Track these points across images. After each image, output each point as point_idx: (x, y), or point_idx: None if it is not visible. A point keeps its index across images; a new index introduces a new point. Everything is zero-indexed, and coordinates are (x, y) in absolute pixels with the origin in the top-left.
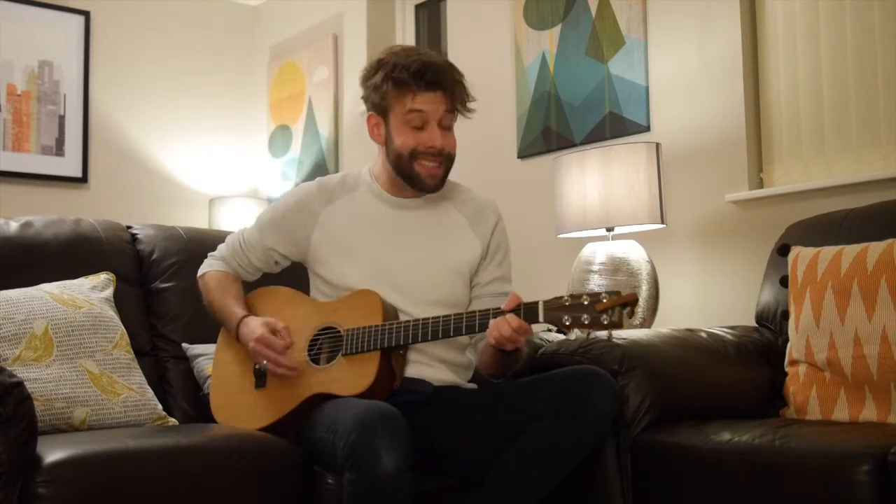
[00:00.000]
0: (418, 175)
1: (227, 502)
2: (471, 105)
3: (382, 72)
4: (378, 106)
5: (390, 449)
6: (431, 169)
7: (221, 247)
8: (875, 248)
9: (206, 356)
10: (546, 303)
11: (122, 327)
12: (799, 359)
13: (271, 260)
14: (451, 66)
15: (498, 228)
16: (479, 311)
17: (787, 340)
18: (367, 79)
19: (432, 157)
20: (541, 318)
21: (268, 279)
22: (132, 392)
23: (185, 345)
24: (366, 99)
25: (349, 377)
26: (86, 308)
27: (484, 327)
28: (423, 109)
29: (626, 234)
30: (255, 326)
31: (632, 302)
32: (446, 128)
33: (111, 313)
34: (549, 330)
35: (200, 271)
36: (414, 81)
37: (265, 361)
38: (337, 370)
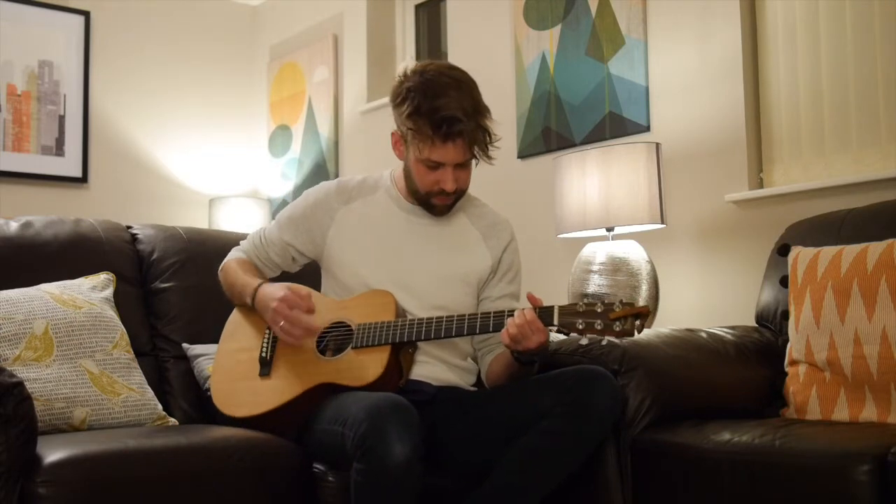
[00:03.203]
0: (432, 205)
1: (227, 502)
2: (493, 146)
3: (408, 106)
4: (401, 130)
5: (402, 438)
6: (442, 200)
7: (244, 242)
8: (875, 248)
9: (206, 356)
10: (561, 307)
11: (122, 327)
12: (799, 359)
13: (289, 256)
14: (477, 113)
15: (511, 247)
16: (494, 312)
17: (787, 340)
18: (394, 101)
19: (444, 196)
20: (555, 321)
21: (282, 279)
22: (132, 392)
23: (185, 345)
24: (393, 115)
25: (357, 368)
26: (86, 308)
27: (498, 327)
28: (439, 161)
29: (626, 234)
30: (276, 288)
31: (644, 314)
32: (463, 166)
33: (111, 313)
34: (560, 331)
35: (223, 264)
36: (433, 132)
37: (282, 323)
38: (345, 362)
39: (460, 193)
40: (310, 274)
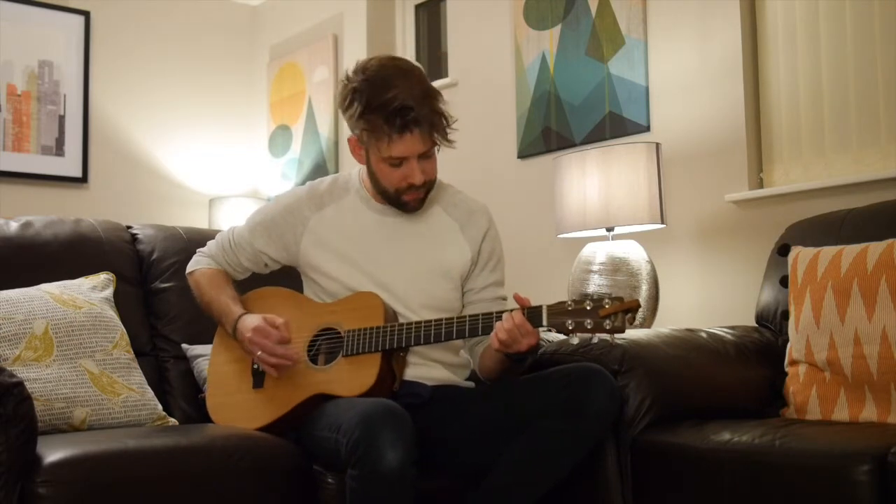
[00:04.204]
0: (403, 203)
1: (227, 502)
2: (452, 132)
3: (357, 105)
4: (356, 134)
5: (395, 444)
6: (413, 195)
7: (211, 244)
8: (875, 248)
9: (205, 356)
10: (550, 307)
11: (122, 327)
12: (799, 359)
13: (261, 262)
14: (428, 97)
15: (489, 234)
16: (483, 314)
17: (787, 340)
18: (342, 105)
19: (415, 190)
20: (544, 321)
21: (264, 279)
22: (132, 392)
23: (184, 345)
24: (346, 120)
25: (350, 378)
26: (86, 308)
27: (487, 330)
28: (400, 156)
29: (626, 234)
30: (253, 319)
31: (634, 308)
32: (426, 157)
33: (111, 313)
34: (550, 330)
35: (189, 268)
36: (388, 126)
37: (259, 353)
38: (337, 371)
39: (430, 185)
40: (292, 273)
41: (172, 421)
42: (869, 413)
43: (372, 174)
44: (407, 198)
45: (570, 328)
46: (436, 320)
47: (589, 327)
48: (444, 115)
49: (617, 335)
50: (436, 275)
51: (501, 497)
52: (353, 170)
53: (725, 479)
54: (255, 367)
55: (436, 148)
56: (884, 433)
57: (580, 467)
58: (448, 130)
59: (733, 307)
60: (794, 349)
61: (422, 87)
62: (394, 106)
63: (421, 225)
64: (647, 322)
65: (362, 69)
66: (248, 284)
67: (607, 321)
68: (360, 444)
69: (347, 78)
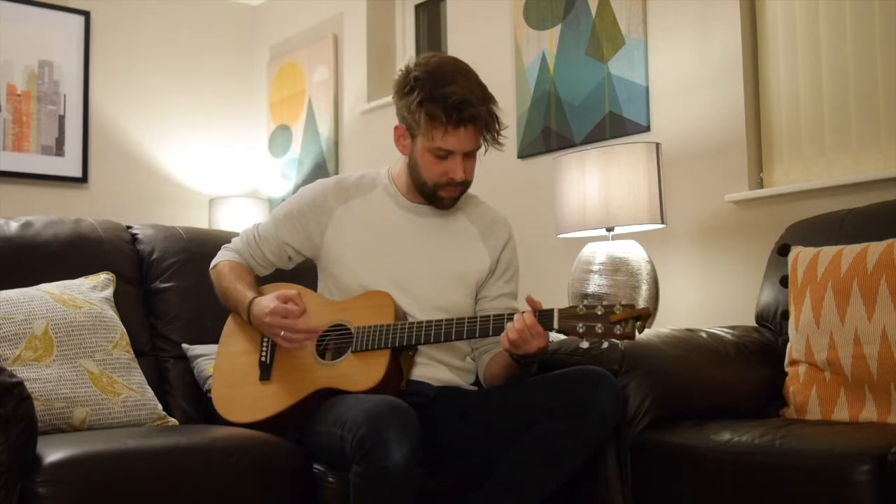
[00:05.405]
0: (438, 198)
1: (227, 502)
2: (502, 135)
3: (418, 94)
4: (407, 123)
5: (401, 441)
6: (450, 191)
7: (236, 239)
8: (875, 248)
9: (206, 356)
10: (561, 311)
11: (122, 327)
12: (799, 359)
13: (285, 255)
14: (486, 98)
15: (509, 246)
16: (494, 315)
17: (787, 340)
18: (400, 92)
19: (452, 187)
20: (555, 325)
21: (278, 277)
22: (132, 392)
23: (184, 345)
24: (397, 109)
25: (357, 373)
26: (86, 308)
27: (498, 331)
28: (450, 149)
29: (626, 234)
30: (266, 301)
31: (644, 316)
32: (470, 156)
33: (111, 313)
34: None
35: (213, 262)
36: (447, 117)
37: (283, 333)
38: (345, 366)
39: (466, 185)
40: (307, 272)
41: (172, 421)
42: (869, 413)
43: (414, 166)
44: (443, 193)
45: (581, 332)
46: (446, 320)
47: (599, 332)
48: (498, 118)
49: (626, 341)
50: (452, 278)
51: (502, 498)
52: (381, 168)
53: (725, 479)
54: (263, 359)
55: (479, 151)
56: (884, 433)
57: (581, 467)
58: (499, 134)
59: (733, 307)
60: (794, 349)
61: (481, 88)
62: (455, 98)
63: (444, 228)
64: (648, 322)
65: (424, 63)
66: (262, 281)
67: (618, 327)
68: (367, 441)
69: (408, 68)
